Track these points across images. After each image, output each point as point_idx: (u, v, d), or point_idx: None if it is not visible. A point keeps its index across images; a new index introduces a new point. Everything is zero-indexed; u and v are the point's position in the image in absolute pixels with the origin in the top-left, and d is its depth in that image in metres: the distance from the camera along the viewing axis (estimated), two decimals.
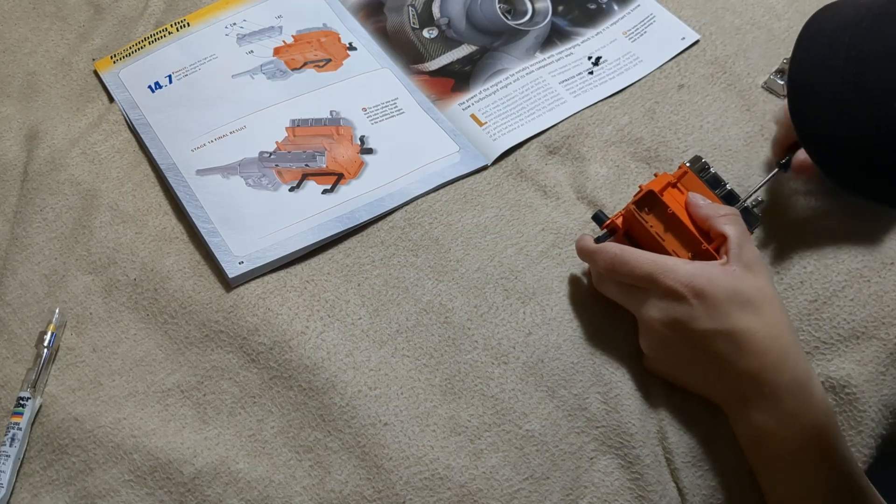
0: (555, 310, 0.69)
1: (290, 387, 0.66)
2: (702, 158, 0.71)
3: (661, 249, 0.65)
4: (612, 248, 0.65)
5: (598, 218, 0.70)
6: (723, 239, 0.64)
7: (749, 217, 0.68)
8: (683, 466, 0.63)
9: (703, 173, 0.70)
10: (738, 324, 0.60)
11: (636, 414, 0.65)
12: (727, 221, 0.64)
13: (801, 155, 0.71)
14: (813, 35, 0.56)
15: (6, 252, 0.73)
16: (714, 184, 0.70)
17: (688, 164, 0.70)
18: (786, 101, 0.74)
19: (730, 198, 0.70)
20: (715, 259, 0.63)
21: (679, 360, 0.64)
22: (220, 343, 0.68)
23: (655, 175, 0.70)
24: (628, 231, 0.68)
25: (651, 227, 0.66)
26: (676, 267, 0.62)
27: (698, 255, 0.65)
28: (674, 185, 0.68)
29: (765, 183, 0.72)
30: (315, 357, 0.67)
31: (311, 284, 0.71)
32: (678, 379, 0.65)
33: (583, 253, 0.68)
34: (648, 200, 0.67)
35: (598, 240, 0.68)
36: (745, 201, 0.70)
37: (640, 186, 0.68)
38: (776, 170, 0.72)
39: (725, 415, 0.64)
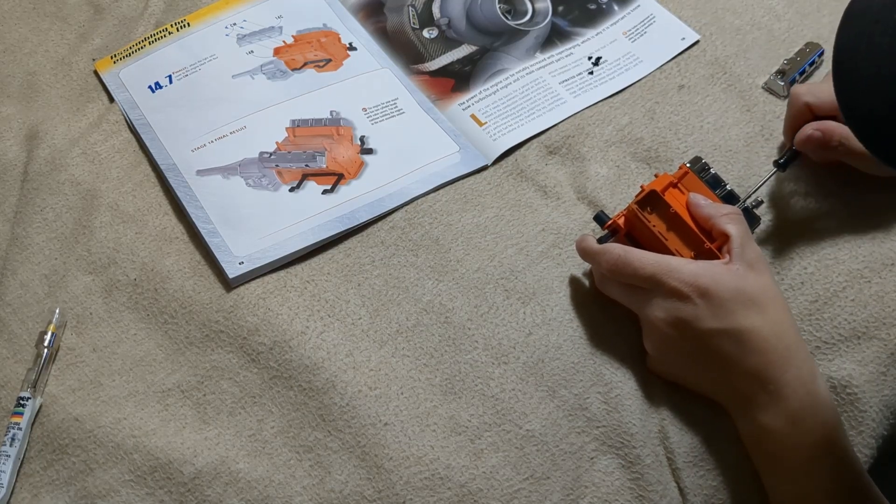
0: (555, 310, 0.69)
1: (290, 387, 0.66)
2: (702, 159, 0.71)
3: (663, 249, 0.65)
4: (616, 248, 0.65)
5: (600, 218, 0.69)
6: (725, 238, 0.64)
7: (749, 217, 0.68)
8: (685, 466, 0.63)
9: (703, 174, 0.70)
10: (743, 323, 0.60)
11: (637, 414, 0.65)
12: (729, 220, 0.64)
13: (808, 129, 0.70)
14: (859, 12, 0.55)
15: (6, 252, 0.73)
16: (714, 184, 0.70)
17: (688, 165, 0.70)
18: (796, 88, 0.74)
19: (730, 198, 0.70)
20: (717, 258, 0.63)
21: (683, 361, 0.64)
22: (221, 343, 0.68)
23: (656, 175, 0.70)
24: (630, 231, 0.68)
25: (654, 226, 0.66)
26: (680, 267, 0.62)
27: (701, 254, 0.65)
28: (674, 186, 0.68)
29: (763, 183, 0.72)
30: (315, 357, 0.67)
31: (311, 284, 0.71)
32: (682, 379, 0.65)
33: (585, 254, 0.68)
34: (651, 200, 0.67)
35: (600, 240, 0.68)
36: (744, 201, 0.70)
37: (641, 186, 0.68)
38: (774, 170, 0.72)
39: (727, 414, 0.64)
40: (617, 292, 0.67)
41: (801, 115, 0.72)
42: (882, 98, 0.51)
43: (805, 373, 0.61)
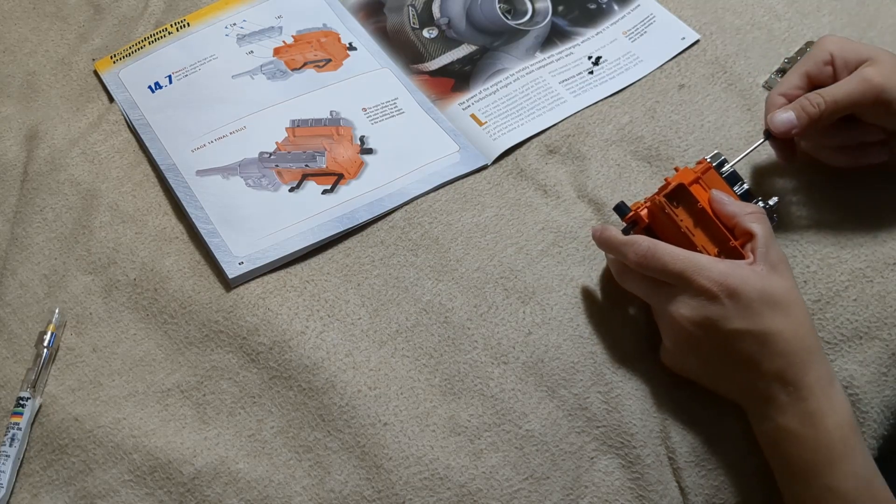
0: (555, 309, 0.69)
1: (289, 387, 0.66)
2: (722, 155, 0.69)
3: (688, 244, 0.64)
4: (644, 241, 0.63)
5: (620, 209, 0.68)
6: (749, 237, 0.63)
7: (769, 216, 0.67)
8: (686, 466, 0.63)
9: (721, 170, 0.69)
10: (769, 325, 0.60)
11: (637, 414, 0.64)
12: (754, 220, 0.63)
13: (782, 115, 0.68)
14: None
15: (6, 252, 0.73)
16: (732, 181, 0.69)
17: (708, 160, 0.69)
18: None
19: (747, 196, 0.68)
20: (741, 257, 0.62)
21: (703, 359, 0.63)
22: (220, 343, 0.68)
23: (676, 169, 0.68)
24: (651, 224, 0.67)
25: (681, 221, 0.65)
26: (710, 265, 0.61)
27: (725, 251, 0.64)
28: (697, 181, 0.67)
29: (751, 151, 0.71)
30: (315, 357, 0.67)
31: (310, 284, 0.71)
32: (698, 376, 0.65)
33: (608, 244, 0.66)
34: (678, 194, 0.65)
35: (622, 232, 0.67)
36: (732, 165, 0.68)
37: (665, 179, 0.67)
38: (762, 139, 0.71)
39: (730, 414, 0.64)
40: (638, 286, 0.65)
41: (821, 64, 0.69)
42: None
43: (823, 375, 0.60)
